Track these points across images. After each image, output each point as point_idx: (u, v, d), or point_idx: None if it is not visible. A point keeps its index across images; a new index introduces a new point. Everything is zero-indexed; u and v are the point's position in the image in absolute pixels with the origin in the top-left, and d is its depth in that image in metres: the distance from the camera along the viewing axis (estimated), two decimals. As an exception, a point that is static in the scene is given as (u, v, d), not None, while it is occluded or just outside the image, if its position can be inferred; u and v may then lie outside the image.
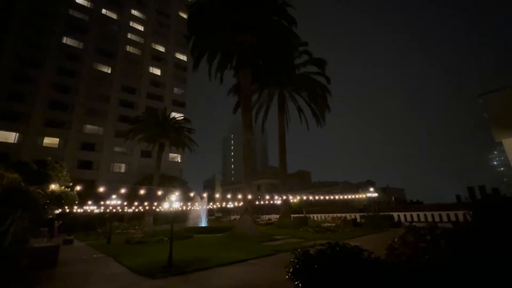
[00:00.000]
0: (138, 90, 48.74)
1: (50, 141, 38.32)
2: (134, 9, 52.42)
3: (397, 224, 20.59)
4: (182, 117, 32.54)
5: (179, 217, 29.96)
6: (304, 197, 26.48)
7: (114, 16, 49.44)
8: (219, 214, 51.01)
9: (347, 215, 25.21)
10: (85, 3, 46.54)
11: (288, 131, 25.61)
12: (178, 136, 28.73)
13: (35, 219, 11.87)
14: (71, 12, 44.20)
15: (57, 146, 38.51)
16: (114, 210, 26.46)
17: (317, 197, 26.36)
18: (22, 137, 35.87)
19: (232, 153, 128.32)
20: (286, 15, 20.02)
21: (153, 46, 53.28)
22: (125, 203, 25.30)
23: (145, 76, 50.33)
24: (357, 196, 22.94)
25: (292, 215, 24.54)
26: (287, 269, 3.78)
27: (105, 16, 48.22)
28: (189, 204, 29.98)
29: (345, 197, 24.78)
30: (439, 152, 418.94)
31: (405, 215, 21.22)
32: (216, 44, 19.89)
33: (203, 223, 25.42)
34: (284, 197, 23.64)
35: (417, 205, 29.59)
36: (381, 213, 20.59)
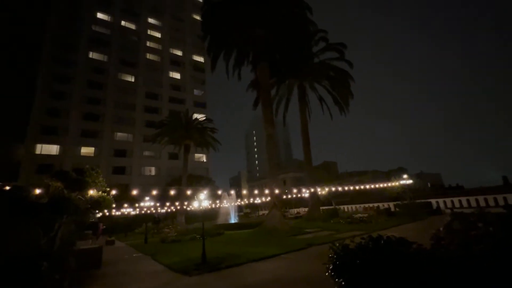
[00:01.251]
0: (160, 95, 50.52)
1: (86, 150, 41.17)
2: (151, 18, 54.11)
3: (436, 211, 19.31)
4: (204, 118, 33.19)
5: (209, 215, 30.76)
6: (333, 189, 25.79)
7: (132, 26, 51.46)
8: (248, 210, 51.67)
9: (380, 204, 24.15)
10: (106, 18, 48.92)
11: (310, 122, 25.00)
12: (202, 136, 29.37)
13: (80, 223, 12.80)
14: (94, 28, 46.75)
15: (93, 155, 41.29)
16: (148, 211, 27.86)
17: (346, 188, 25.55)
18: (62, 148, 38.97)
19: (256, 149, 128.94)
20: (301, 2, 19.39)
21: (171, 51, 54.75)
22: (158, 204, 26.50)
23: (166, 81, 51.99)
24: (389, 184, 21.80)
25: (321, 208, 24.05)
26: (327, 266, 3.53)
27: (124, 27, 50.36)
28: (217, 201, 30.68)
29: (376, 186, 23.69)
30: (469, 135, 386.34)
31: (444, 202, 19.81)
32: (231, 41, 19.85)
33: (233, 220, 25.86)
34: (312, 190, 23.22)
35: (457, 190, 27.52)
36: (418, 201, 19.39)
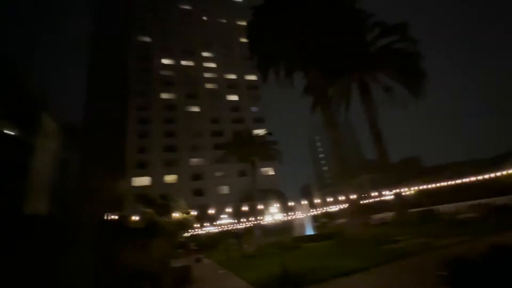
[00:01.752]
0: (222, 118, 54.53)
1: (170, 178, 47.14)
2: (204, 52, 60.13)
3: None
4: (265, 132, 33.98)
5: (285, 227, 30.41)
6: (421, 187, 22.10)
7: (191, 63, 58.12)
8: (324, 220, 49.10)
9: (491, 200, 19.34)
10: (170, 62, 56.73)
11: (379, 117, 22.50)
12: (265, 150, 29.96)
13: (171, 243, 14.33)
14: (162, 72, 54.77)
15: (175, 181, 46.92)
16: (227, 228, 29.43)
17: (438, 184, 21.54)
18: (151, 179, 45.67)
19: (322, 155, 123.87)
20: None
21: (226, 77, 59.12)
22: (235, 221, 27.82)
23: (225, 105, 56.06)
24: (502, 173, 17.18)
25: (409, 210, 20.84)
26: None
27: (185, 66, 57.32)
28: (290, 213, 30.19)
29: (481, 177, 19.12)
30: None
31: None
32: (278, 53, 20.01)
33: (309, 231, 24.82)
34: (395, 191, 20.45)
35: None
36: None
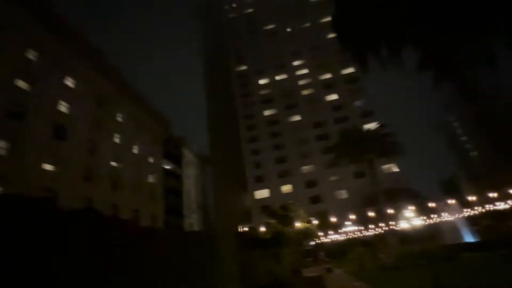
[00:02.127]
0: (325, 121, 52.72)
1: (285, 188, 49.25)
2: (295, 61, 61.23)
3: None
4: (378, 125, 29.99)
5: (427, 233, 24.98)
6: None
7: (284, 76, 60.40)
8: (488, 222, 36.99)
9: None
10: (266, 81, 61.15)
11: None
12: (381, 145, 26.25)
13: (299, 252, 14.54)
14: (260, 92, 59.66)
15: (291, 190, 48.51)
16: (353, 235, 27.21)
17: None
18: (270, 191, 49.19)
19: (464, 138, 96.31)
20: None
21: (321, 78, 57.50)
22: (361, 227, 25.35)
23: (326, 107, 54.14)
24: None
25: None
26: None
27: (279, 80, 60.17)
28: (433, 216, 24.55)
29: None
30: None
31: None
32: (376, 32, 17.52)
33: (468, 238, 19.20)
34: None
35: None
36: None
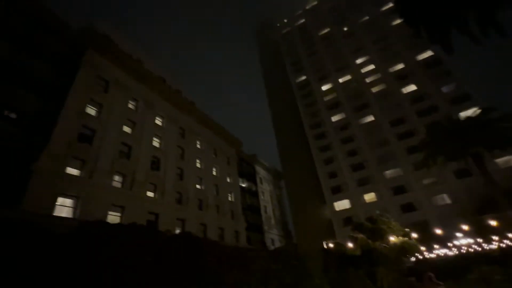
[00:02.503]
0: (405, 116, 46.24)
1: (368, 197, 44.44)
2: (358, 59, 57.10)
3: None
4: (479, 110, 24.32)
5: None
6: None
7: (348, 77, 56.78)
8: None
9: None
10: (328, 86, 58.72)
11: None
12: (490, 134, 20.97)
13: (398, 271, 12.54)
14: (325, 98, 57.44)
15: (375, 199, 43.43)
16: (469, 250, 21.97)
17: None
18: (350, 201, 45.33)
19: None
20: None
21: (392, 70, 51.55)
22: (480, 240, 20.19)
23: (403, 100, 47.69)
24: None
25: None
26: None
27: (344, 82, 56.87)
28: None
29: None
30: None
31: None
32: (459, 4, 14.69)
33: None
34: None
35: None
36: None
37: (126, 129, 26.24)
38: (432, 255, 23.77)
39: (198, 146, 36.57)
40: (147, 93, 30.40)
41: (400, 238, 10.80)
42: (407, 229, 18.38)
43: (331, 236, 42.52)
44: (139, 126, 27.62)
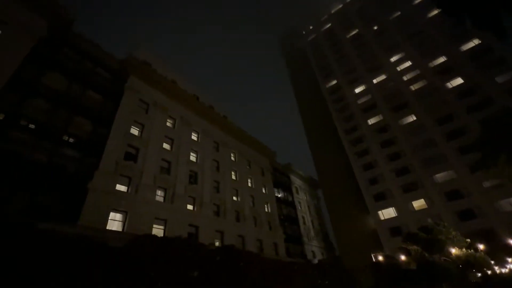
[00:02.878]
0: (453, 113, 41.92)
1: (418, 204, 40.44)
2: (392, 57, 53.94)
3: None
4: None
5: None
6: None
7: (383, 77, 53.67)
8: None
9: None
10: (361, 88, 56.10)
11: None
12: None
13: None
14: (359, 101, 54.91)
15: (426, 206, 39.37)
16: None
17: None
18: (396, 209, 41.73)
19: None
20: None
21: (432, 65, 47.60)
22: None
23: (449, 96, 43.42)
24: None
25: None
26: None
27: (378, 82, 53.87)
28: None
29: None
30: None
31: None
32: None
33: None
34: None
35: None
36: None
37: (166, 146, 27.88)
38: (504, 270, 20.39)
39: (232, 158, 37.24)
40: (182, 110, 32.16)
41: (464, 250, 9.49)
42: (468, 240, 16.10)
43: (377, 247, 39.37)
44: (177, 142, 29.15)
